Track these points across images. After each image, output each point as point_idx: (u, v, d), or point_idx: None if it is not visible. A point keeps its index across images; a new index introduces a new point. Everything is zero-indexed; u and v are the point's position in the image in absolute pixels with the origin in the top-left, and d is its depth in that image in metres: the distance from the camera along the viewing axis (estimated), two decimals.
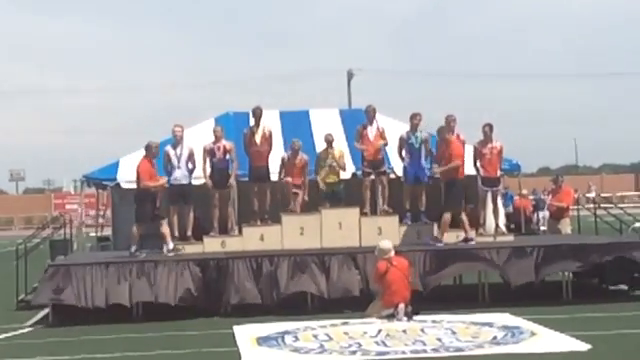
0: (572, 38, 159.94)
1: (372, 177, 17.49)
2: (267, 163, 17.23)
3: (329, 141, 17.65)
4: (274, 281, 15.37)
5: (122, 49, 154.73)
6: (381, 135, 17.41)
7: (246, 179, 17.54)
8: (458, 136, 17.22)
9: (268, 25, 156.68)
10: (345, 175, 18.24)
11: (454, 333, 12.75)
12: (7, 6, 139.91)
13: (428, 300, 14.91)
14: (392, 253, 14.62)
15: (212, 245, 16.57)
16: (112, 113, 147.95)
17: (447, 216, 16.43)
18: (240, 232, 17.00)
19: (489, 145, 17.26)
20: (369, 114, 17.53)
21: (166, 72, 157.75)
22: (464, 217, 16.61)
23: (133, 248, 16.09)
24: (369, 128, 17.42)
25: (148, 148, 16.32)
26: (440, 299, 15.22)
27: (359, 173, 18.20)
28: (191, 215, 16.89)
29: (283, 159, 17.63)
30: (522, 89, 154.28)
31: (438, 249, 16.09)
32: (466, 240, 16.52)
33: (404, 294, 14.27)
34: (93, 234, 23.45)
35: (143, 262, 15.53)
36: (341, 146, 18.40)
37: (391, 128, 17.79)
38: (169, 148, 16.94)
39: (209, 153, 16.95)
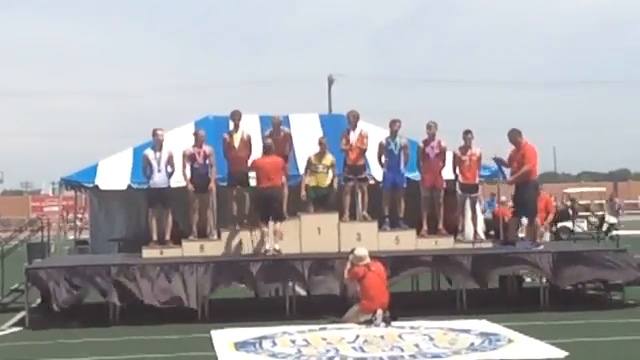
0: (553, 45, 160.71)
1: (352, 183, 17.47)
2: (246, 167, 17.18)
3: (323, 144, 17.54)
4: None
5: (104, 52, 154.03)
6: (362, 141, 17.36)
7: (225, 183, 17.50)
8: (439, 142, 17.29)
9: (249, 29, 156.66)
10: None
11: (432, 339, 12.76)
12: None
13: (406, 306, 14.92)
14: (367, 260, 14.64)
15: (191, 249, 16.52)
16: (92, 116, 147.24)
17: (524, 220, 17.20)
18: (219, 236, 16.97)
19: (468, 152, 17.32)
20: (349, 119, 17.52)
21: (147, 75, 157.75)
22: (537, 221, 17.08)
23: (268, 245, 16.12)
24: (352, 134, 17.41)
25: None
26: (418, 305, 15.25)
27: (338, 179, 18.14)
28: (170, 219, 16.85)
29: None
30: (502, 96, 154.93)
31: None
32: (536, 244, 16.68)
33: (382, 300, 14.29)
34: (71, 237, 23.33)
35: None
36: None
37: (371, 134, 17.78)
38: (149, 151, 16.89)
39: (189, 158, 16.90)
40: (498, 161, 17.45)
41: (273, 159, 16.51)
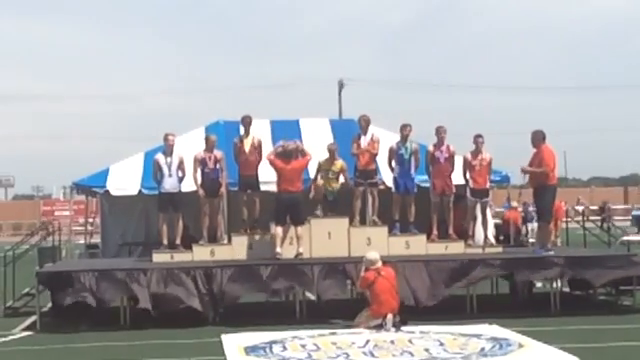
0: (562, 50, 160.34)
1: (362, 188, 17.48)
2: (256, 172, 17.21)
3: (332, 150, 17.60)
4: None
5: (112, 55, 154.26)
6: (373, 146, 17.36)
7: (235, 188, 17.53)
8: (448, 147, 17.30)
9: (259, 34, 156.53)
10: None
11: (442, 344, 12.75)
12: None
13: (416, 311, 14.92)
14: (379, 264, 14.64)
15: (201, 254, 16.55)
16: (103, 120, 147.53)
17: (542, 224, 17.00)
18: (229, 241, 17.00)
19: (479, 156, 17.31)
20: (360, 124, 17.53)
21: (156, 79, 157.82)
22: (550, 227, 17.12)
23: (278, 249, 16.21)
24: (363, 138, 17.42)
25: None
26: (428, 310, 15.24)
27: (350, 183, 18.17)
28: (180, 223, 16.89)
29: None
30: (512, 100, 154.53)
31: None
32: (544, 249, 16.65)
33: (392, 305, 14.29)
34: (82, 241, 23.41)
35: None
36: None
37: (381, 139, 17.79)
38: (160, 156, 16.94)
39: (200, 163, 16.95)
40: (525, 172, 17.26)
41: (294, 164, 16.53)
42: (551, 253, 16.45)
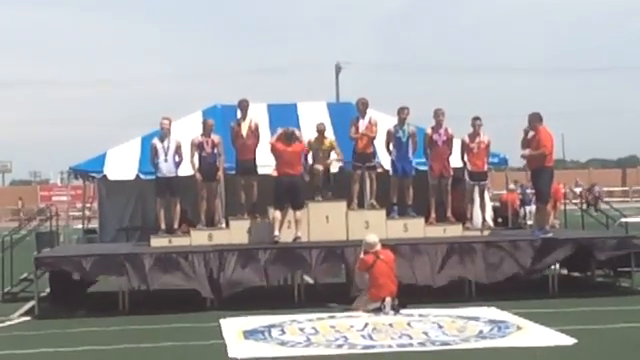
0: (561, 32, 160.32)
1: (360, 171, 17.45)
2: (254, 156, 17.17)
3: (321, 130, 17.60)
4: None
5: (109, 41, 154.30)
6: (371, 129, 17.32)
7: (233, 172, 17.50)
8: (446, 130, 17.28)
9: (255, 18, 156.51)
10: (333, 168, 18.18)
11: (440, 327, 12.77)
12: None
13: (415, 294, 14.92)
14: (378, 247, 14.63)
15: (199, 238, 16.54)
16: (100, 105, 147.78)
17: (540, 206, 16.88)
18: (227, 225, 16.98)
19: (477, 139, 17.30)
20: (358, 107, 17.49)
21: (153, 64, 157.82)
22: (548, 208, 17.03)
23: (277, 232, 16.19)
24: (361, 121, 17.37)
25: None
26: (427, 293, 15.25)
27: (347, 167, 18.13)
28: (177, 208, 16.88)
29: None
30: (509, 83, 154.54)
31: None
32: (545, 231, 16.55)
33: (391, 288, 14.29)
34: (79, 226, 23.37)
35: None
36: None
37: (379, 122, 17.75)
38: (156, 141, 16.91)
39: (198, 147, 16.91)
40: (525, 157, 17.17)
41: (295, 147, 16.48)
42: (549, 235, 16.43)
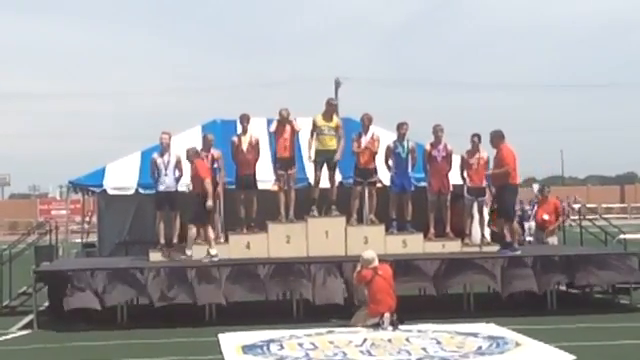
0: (560, 48, 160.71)
1: (361, 187, 17.44)
2: (254, 171, 17.21)
3: (333, 105, 17.47)
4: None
5: (109, 54, 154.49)
6: (373, 144, 17.30)
7: (233, 187, 17.52)
8: (446, 146, 17.32)
9: (255, 32, 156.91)
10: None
11: (439, 343, 12.77)
12: None
13: (413, 309, 14.93)
14: (376, 263, 14.64)
15: (198, 252, 16.53)
16: (99, 119, 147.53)
17: (507, 224, 16.86)
18: (226, 240, 17.00)
19: (476, 155, 17.32)
20: (363, 122, 17.46)
21: (153, 78, 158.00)
22: (515, 225, 16.88)
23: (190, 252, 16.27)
24: (363, 137, 17.36)
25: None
26: (425, 308, 15.25)
27: (347, 182, 18.15)
28: (177, 222, 16.90)
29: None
30: (509, 99, 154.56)
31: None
32: (513, 249, 16.53)
33: (389, 303, 14.29)
34: (78, 240, 23.37)
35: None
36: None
37: (381, 137, 17.74)
38: (156, 155, 16.95)
39: None
40: (489, 176, 17.25)
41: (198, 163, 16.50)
42: (518, 253, 16.38)
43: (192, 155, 16.52)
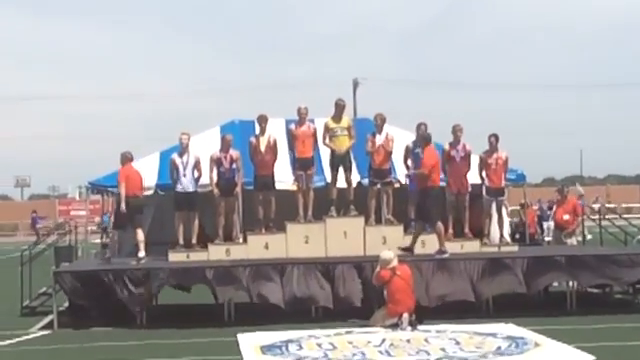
0: (580, 47, 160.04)
1: (378, 187, 17.46)
2: (272, 171, 17.23)
3: (342, 105, 17.42)
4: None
5: (128, 56, 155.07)
6: (388, 144, 17.30)
7: (251, 187, 17.55)
8: (464, 146, 17.29)
9: (273, 33, 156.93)
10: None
11: (458, 343, 12.75)
12: (10, 12, 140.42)
13: (432, 310, 14.91)
14: (394, 263, 14.63)
15: (217, 253, 16.58)
16: (118, 120, 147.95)
17: (431, 227, 16.39)
18: (245, 240, 17.02)
19: (494, 155, 17.29)
20: (376, 122, 17.48)
21: (171, 79, 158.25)
22: (439, 228, 16.35)
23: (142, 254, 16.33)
24: (377, 137, 17.37)
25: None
26: (444, 309, 15.22)
27: (364, 182, 18.15)
28: (196, 223, 16.94)
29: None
30: (528, 99, 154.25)
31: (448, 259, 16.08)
32: (440, 252, 16.19)
33: (408, 303, 14.28)
34: (97, 241, 23.49)
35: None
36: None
37: (397, 137, 17.77)
38: (175, 156, 17.00)
39: (216, 162, 16.98)
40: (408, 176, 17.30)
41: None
42: (445, 256, 16.19)
43: (121, 159, 16.97)
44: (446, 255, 16.11)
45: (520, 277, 15.77)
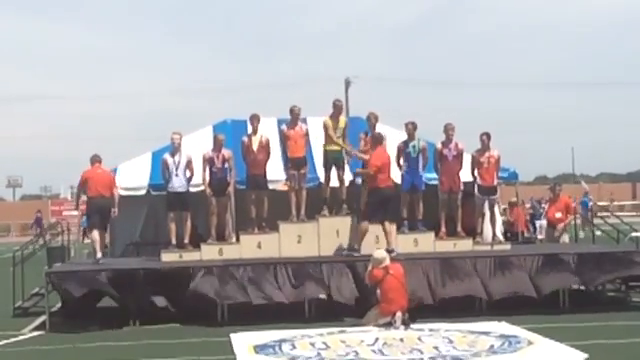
0: (571, 45, 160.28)
1: None
2: (264, 171, 17.23)
3: (339, 106, 17.47)
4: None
5: (120, 56, 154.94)
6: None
7: (243, 187, 17.53)
8: (457, 145, 17.30)
9: (265, 32, 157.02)
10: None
11: (451, 342, 12.75)
12: (6, 11, 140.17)
13: (426, 308, 14.92)
14: (387, 262, 14.63)
15: (209, 252, 16.56)
16: (110, 120, 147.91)
17: (364, 225, 16.31)
18: (237, 240, 17.01)
19: (486, 154, 17.31)
20: (370, 121, 17.48)
21: (164, 79, 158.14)
22: (387, 227, 16.29)
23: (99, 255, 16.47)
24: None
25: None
26: (437, 307, 15.23)
27: (357, 181, 18.14)
28: (188, 222, 16.92)
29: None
30: (520, 97, 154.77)
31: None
32: (388, 252, 15.83)
33: (401, 302, 14.28)
34: (89, 241, 23.42)
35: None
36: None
37: (389, 137, 17.77)
38: (167, 156, 16.97)
39: (208, 162, 16.96)
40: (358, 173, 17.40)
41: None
42: (393, 254, 15.88)
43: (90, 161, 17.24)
44: (394, 254, 15.84)
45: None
